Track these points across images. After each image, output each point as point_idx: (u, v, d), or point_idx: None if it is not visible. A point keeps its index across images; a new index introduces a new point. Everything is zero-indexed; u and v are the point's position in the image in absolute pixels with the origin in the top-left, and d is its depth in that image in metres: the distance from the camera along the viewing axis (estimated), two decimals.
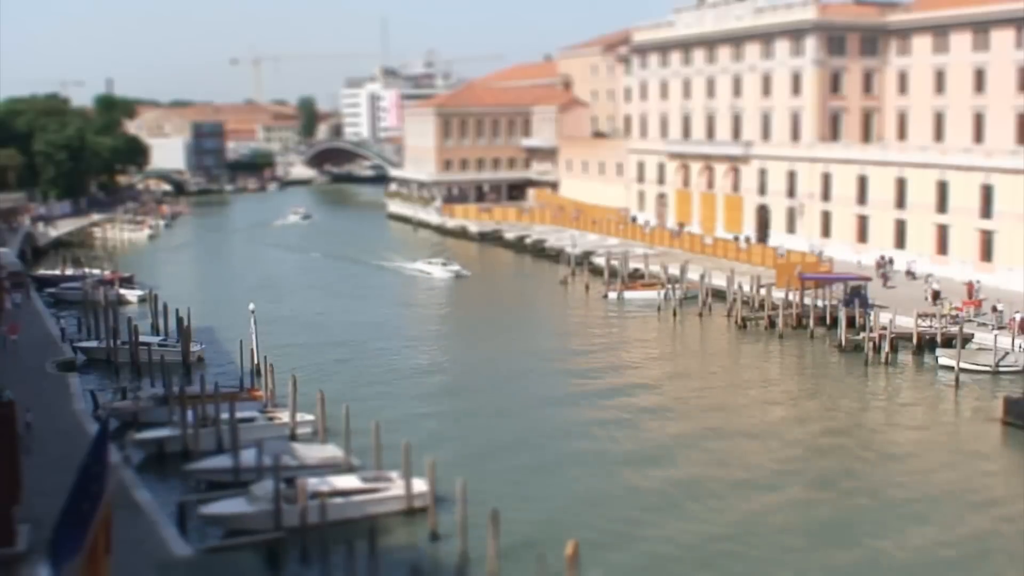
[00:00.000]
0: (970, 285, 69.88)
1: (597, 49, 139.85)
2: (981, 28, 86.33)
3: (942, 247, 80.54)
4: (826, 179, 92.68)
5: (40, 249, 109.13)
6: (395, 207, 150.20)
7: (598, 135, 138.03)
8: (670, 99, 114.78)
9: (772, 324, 68.89)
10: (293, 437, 44.81)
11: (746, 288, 73.69)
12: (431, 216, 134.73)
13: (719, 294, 75.75)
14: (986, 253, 76.81)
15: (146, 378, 55.28)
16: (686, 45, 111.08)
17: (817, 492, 40.01)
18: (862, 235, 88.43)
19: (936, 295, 68.13)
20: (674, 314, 74.67)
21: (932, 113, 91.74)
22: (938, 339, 60.11)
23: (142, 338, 59.55)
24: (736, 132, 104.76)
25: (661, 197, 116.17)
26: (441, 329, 76.19)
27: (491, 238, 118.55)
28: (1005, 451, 46.12)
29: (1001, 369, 55.53)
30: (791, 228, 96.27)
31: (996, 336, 57.56)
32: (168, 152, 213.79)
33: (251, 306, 58.22)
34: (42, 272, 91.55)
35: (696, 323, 72.85)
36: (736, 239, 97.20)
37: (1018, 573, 33.08)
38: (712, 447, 45.37)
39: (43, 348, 58.32)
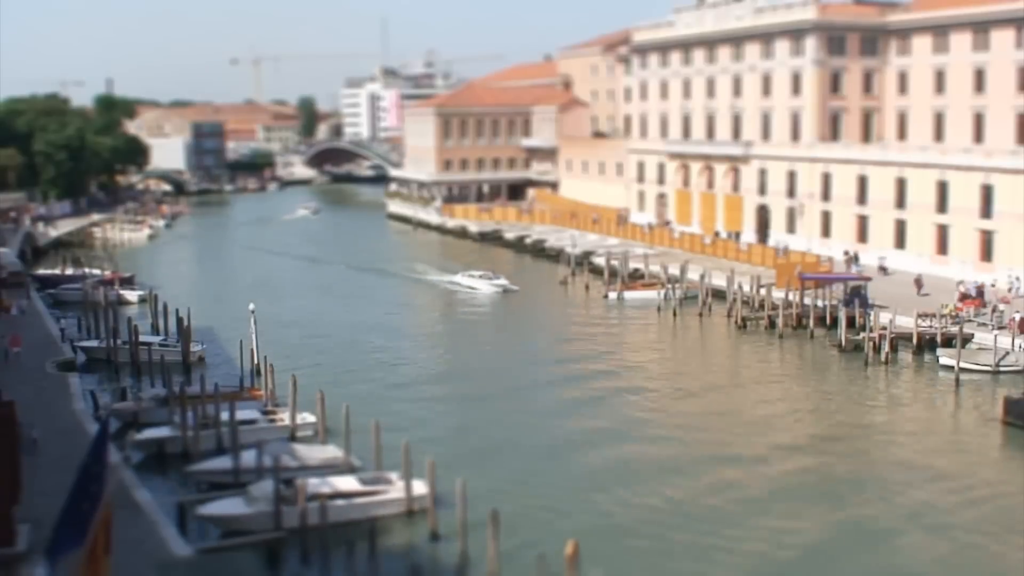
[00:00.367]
0: (981, 286, 70.26)
1: (597, 49, 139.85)
2: (981, 28, 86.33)
3: (942, 247, 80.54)
4: (826, 179, 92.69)
5: (40, 249, 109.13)
6: (395, 207, 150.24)
7: (598, 135, 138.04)
8: (670, 99, 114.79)
9: (772, 324, 68.89)
10: (293, 437, 44.81)
11: (746, 288, 73.70)
12: (431, 216, 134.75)
13: (719, 294, 75.74)
14: (986, 253, 76.82)
15: (146, 378, 55.27)
16: (686, 45, 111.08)
17: (817, 492, 39.99)
18: (862, 235, 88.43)
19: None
20: (674, 314, 74.67)
21: (932, 113, 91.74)
22: (938, 339, 60.11)
23: (142, 338, 59.54)
24: (736, 132, 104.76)
25: (661, 197, 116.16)
26: (441, 329, 76.19)
27: (491, 238, 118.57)
28: (1005, 451, 46.11)
29: (1001, 369, 55.52)
30: (791, 228, 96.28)
31: (996, 336, 57.57)
32: (168, 152, 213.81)
33: (251, 306, 58.22)
34: (42, 272, 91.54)
35: (696, 323, 72.84)
36: (717, 234, 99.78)
37: (1019, 573, 33.08)
38: (712, 448, 45.34)
39: (43, 348, 58.31)
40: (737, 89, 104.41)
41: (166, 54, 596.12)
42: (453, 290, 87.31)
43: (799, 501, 39.03)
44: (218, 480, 39.02)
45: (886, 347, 59.61)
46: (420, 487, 36.38)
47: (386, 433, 39.53)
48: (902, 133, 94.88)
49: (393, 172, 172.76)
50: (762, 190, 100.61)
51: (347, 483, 37.20)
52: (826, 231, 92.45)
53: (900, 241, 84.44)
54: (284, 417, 46.03)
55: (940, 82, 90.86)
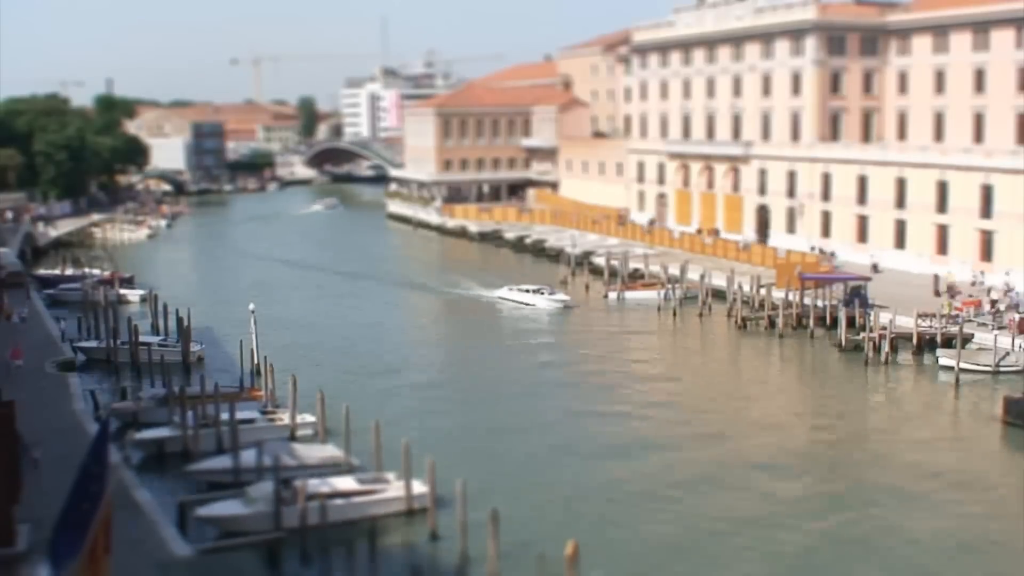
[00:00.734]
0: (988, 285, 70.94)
1: (597, 49, 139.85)
2: (981, 28, 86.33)
3: (942, 247, 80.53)
4: (826, 179, 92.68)
5: (40, 249, 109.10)
6: (395, 207, 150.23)
7: (598, 135, 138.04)
8: (670, 99, 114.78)
9: (772, 324, 68.89)
10: (293, 437, 44.81)
11: (746, 288, 73.69)
12: (431, 216, 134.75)
13: (719, 294, 75.75)
14: (986, 253, 76.82)
15: (146, 378, 55.25)
16: (686, 45, 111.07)
17: (817, 492, 40.01)
18: (862, 235, 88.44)
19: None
20: (674, 314, 74.66)
21: (932, 113, 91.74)
22: (938, 339, 60.11)
23: (142, 338, 59.53)
24: (736, 132, 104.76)
25: (661, 197, 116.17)
26: (440, 329, 76.17)
27: (491, 238, 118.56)
28: (1005, 451, 46.13)
29: (1001, 369, 55.52)
30: (791, 228, 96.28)
31: (996, 336, 57.58)
32: (168, 152, 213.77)
33: (251, 306, 58.21)
34: (42, 272, 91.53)
35: (696, 323, 72.84)
36: (699, 232, 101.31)
37: (1019, 572, 33.08)
38: (712, 448, 45.35)
39: (43, 348, 58.26)
40: (737, 89, 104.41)
41: (166, 54, 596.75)
42: (502, 306, 79.74)
43: (799, 502, 39.03)
44: (218, 480, 39.01)
45: (886, 347, 59.61)
46: (420, 487, 36.39)
47: (386, 433, 39.49)
48: (902, 133, 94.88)
49: (393, 172, 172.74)
50: (762, 190, 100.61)
51: (347, 483, 37.20)
52: (826, 231, 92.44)
53: (900, 241, 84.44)
54: (284, 417, 46.03)
55: (940, 82, 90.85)
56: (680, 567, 33.74)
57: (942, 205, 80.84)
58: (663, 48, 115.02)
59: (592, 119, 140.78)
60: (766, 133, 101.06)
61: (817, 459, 44.17)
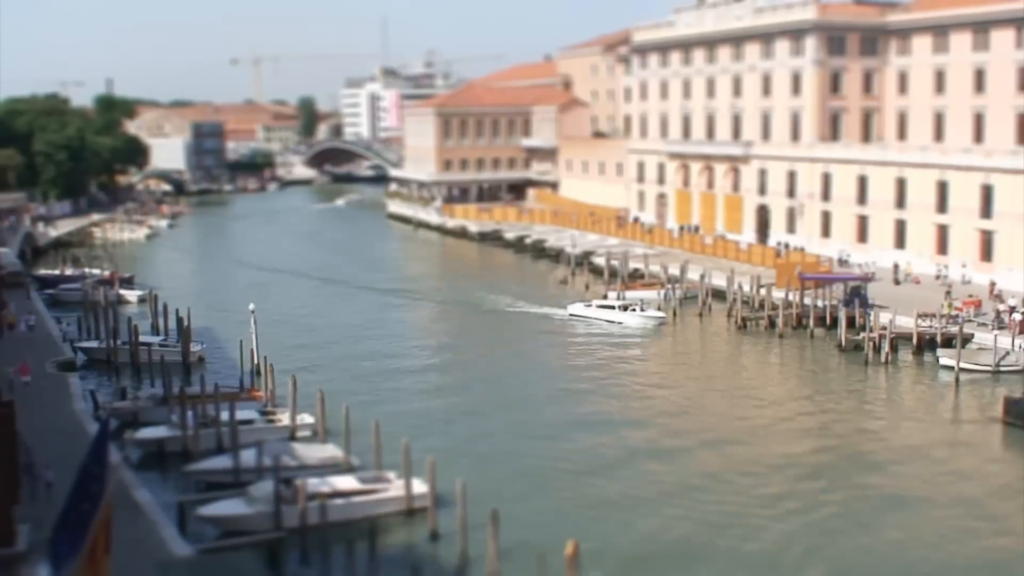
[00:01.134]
0: (992, 284, 71.16)
1: (597, 49, 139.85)
2: (981, 28, 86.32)
3: (942, 247, 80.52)
4: (826, 179, 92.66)
5: (40, 249, 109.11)
6: (395, 207, 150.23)
7: (598, 135, 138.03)
8: (670, 99, 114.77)
9: (772, 324, 68.87)
10: (293, 437, 44.80)
11: (746, 288, 73.68)
12: (431, 216, 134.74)
13: (719, 294, 75.75)
14: (986, 253, 76.82)
15: (146, 378, 55.27)
16: (686, 45, 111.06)
17: (817, 492, 39.97)
18: (862, 235, 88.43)
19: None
20: (674, 314, 74.64)
21: (932, 113, 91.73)
22: (938, 339, 60.10)
23: (142, 338, 59.56)
24: (736, 132, 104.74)
25: (661, 197, 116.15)
26: (440, 329, 76.12)
27: (491, 238, 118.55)
28: (1005, 451, 46.13)
29: (1001, 369, 55.51)
30: (791, 228, 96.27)
31: (996, 336, 57.57)
32: (168, 152, 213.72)
33: (251, 306, 58.18)
34: (42, 272, 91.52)
35: (696, 323, 72.84)
36: (683, 229, 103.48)
37: (1019, 572, 33.07)
38: (712, 448, 45.36)
39: (43, 348, 58.26)
40: (737, 89, 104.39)
41: (166, 54, 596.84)
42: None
43: (799, 502, 39.01)
44: (218, 480, 39.01)
45: (886, 347, 59.61)
46: (420, 486, 36.39)
47: (386, 433, 39.49)
48: (902, 133, 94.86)
49: (393, 172, 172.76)
50: (762, 190, 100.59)
51: (347, 482, 37.19)
52: (826, 231, 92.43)
53: (900, 241, 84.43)
54: (283, 417, 46.02)
55: (940, 82, 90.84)
56: (680, 567, 33.74)
57: (942, 205, 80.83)
58: (663, 48, 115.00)
59: (592, 119, 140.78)
60: (766, 133, 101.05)
61: (817, 459, 44.13)
